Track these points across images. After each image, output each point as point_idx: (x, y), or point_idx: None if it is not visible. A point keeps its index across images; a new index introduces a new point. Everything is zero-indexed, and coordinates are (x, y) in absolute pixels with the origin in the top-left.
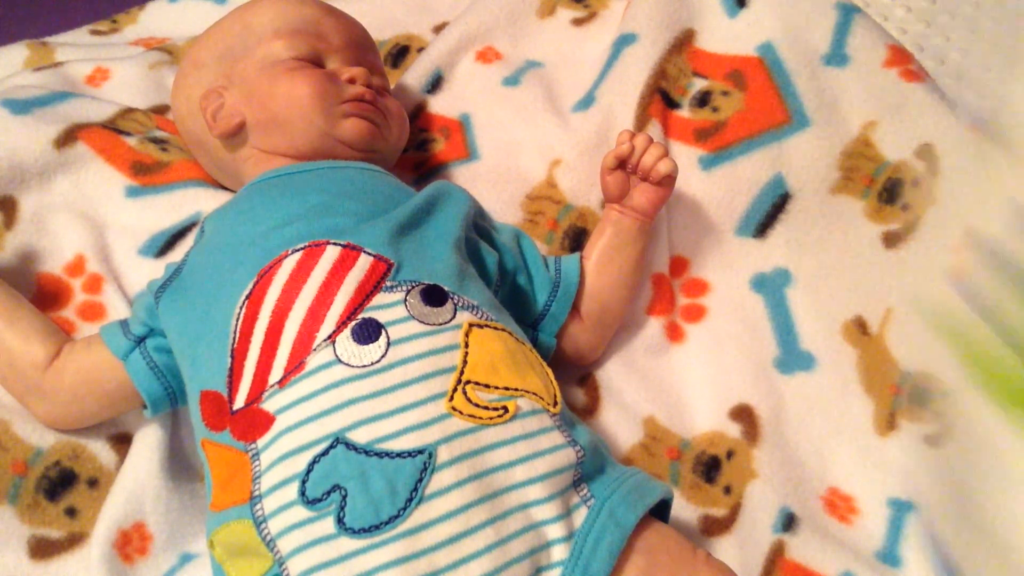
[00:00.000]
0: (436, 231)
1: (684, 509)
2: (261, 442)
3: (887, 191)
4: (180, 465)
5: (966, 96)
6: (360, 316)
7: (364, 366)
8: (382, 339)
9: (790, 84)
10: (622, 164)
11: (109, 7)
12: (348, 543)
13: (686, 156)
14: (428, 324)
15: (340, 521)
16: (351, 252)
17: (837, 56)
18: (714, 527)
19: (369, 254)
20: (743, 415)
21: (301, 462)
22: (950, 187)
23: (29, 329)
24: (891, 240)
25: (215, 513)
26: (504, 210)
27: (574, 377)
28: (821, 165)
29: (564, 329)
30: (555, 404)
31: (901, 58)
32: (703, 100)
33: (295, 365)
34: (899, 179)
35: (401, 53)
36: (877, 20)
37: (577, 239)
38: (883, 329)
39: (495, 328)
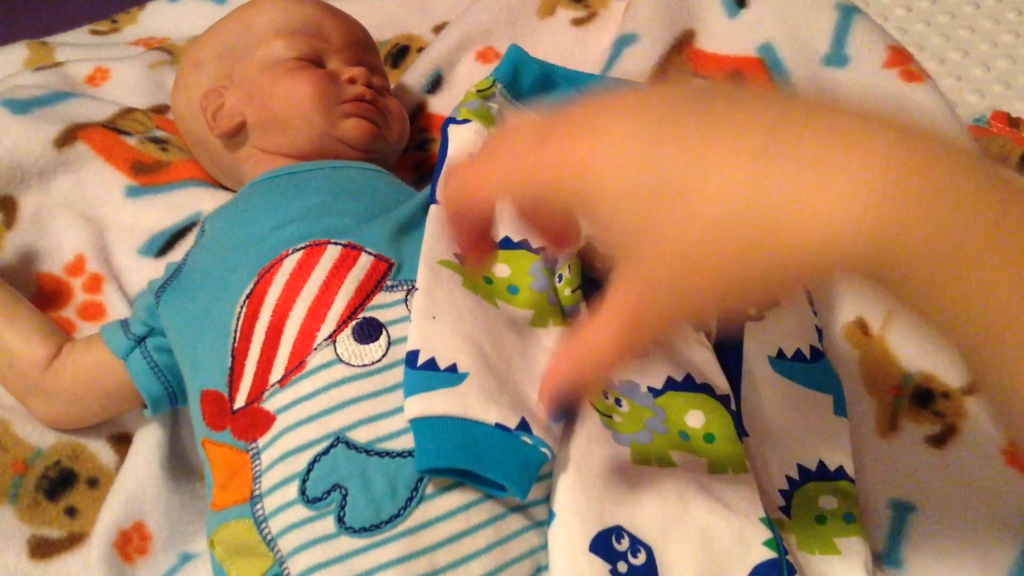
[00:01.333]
0: None
1: None
2: (262, 441)
3: None
4: (180, 465)
5: (966, 96)
6: (361, 315)
7: (365, 365)
8: (383, 338)
9: (790, 85)
10: None
11: (109, 7)
12: (348, 542)
13: None
14: None
15: (340, 520)
16: (351, 251)
17: (837, 56)
18: None
19: (370, 253)
20: None
21: (301, 461)
22: None
23: (29, 328)
24: None
25: (215, 513)
26: None
27: None
28: None
29: None
30: None
31: (901, 58)
32: None
33: (296, 364)
34: None
35: (401, 53)
36: (877, 20)
37: None
38: (884, 331)
39: None
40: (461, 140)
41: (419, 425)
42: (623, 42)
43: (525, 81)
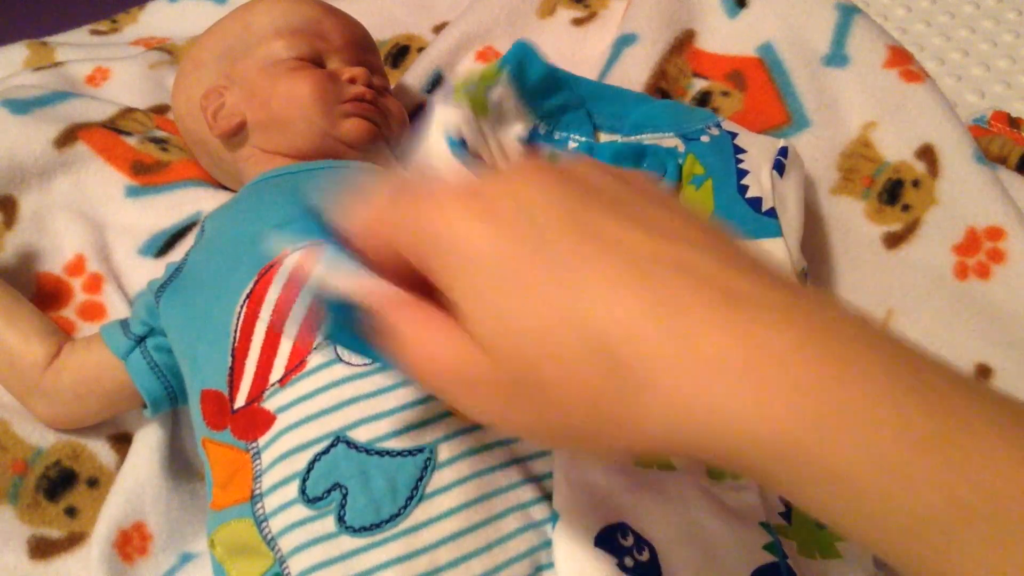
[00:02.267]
0: None
1: None
2: (262, 441)
3: (887, 192)
4: (180, 465)
5: (966, 96)
6: None
7: (365, 364)
8: None
9: (790, 85)
10: None
11: (109, 7)
12: (348, 542)
13: None
14: None
15: (341, 519)
16: None
17: (837, 57)
18: None
19: None
20: None
21: (302, 461)
22: (950, 188)
23: (29, 329)
24: (892, 241)
25: (216, 512)
26: None
27: None
28: (820, 166)
29: None
30: None
31: (901, 59)
32: (703, 101)
33: (296, 364)
34: (899, 180)
35: (401, 53)
36: (877, 20)
37: None
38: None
39: None
40: (444, 123)
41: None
42: (623, 42)
43: (531, 76)
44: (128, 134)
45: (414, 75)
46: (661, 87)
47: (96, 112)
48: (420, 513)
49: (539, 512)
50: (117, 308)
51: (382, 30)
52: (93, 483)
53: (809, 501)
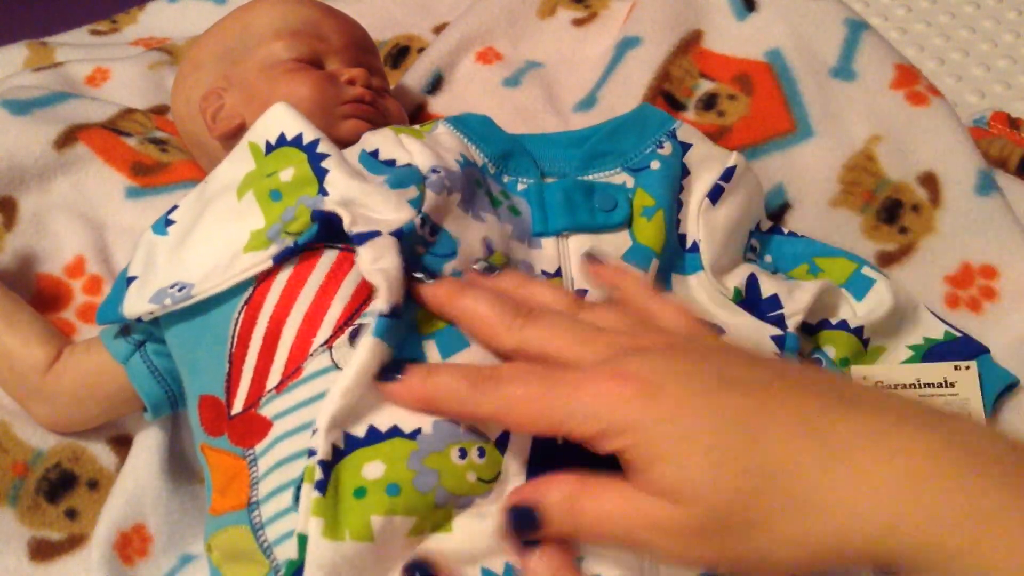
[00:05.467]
0: None
1: None
2: (259, 447)
3: (886, 211)
4: (180, 467)
5: (966, 96)
6: (357, 322)
7: None
8: None
9: (797, 93)
10: None
11: (109, 7)
12: None
13: None
14: None
15: None
16: (348, 255)
17: (844, 71)
18: None
19: None
20: None
21: (297, 468)
22: (952, 220)
23: (29, 332)
24: (885, 260)
25: (213, 518)
26: None
27: None
28: (822, 177)
29: None
30: None
31: (908, 79)
32: (709, 103)
33: (292, 370)
34: (899, 200)
35: (401, 54)
36: (877, 20)
37: None
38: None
39: None
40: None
41: None
42: (626, 44)
43: (471, 121)
44: (128, 135)
45: (414, 76)
46: (664, 89)
47: (96, 113)
48: None
49: None
50: None
51: (382, 31)
52: (93, 485)
53: None
